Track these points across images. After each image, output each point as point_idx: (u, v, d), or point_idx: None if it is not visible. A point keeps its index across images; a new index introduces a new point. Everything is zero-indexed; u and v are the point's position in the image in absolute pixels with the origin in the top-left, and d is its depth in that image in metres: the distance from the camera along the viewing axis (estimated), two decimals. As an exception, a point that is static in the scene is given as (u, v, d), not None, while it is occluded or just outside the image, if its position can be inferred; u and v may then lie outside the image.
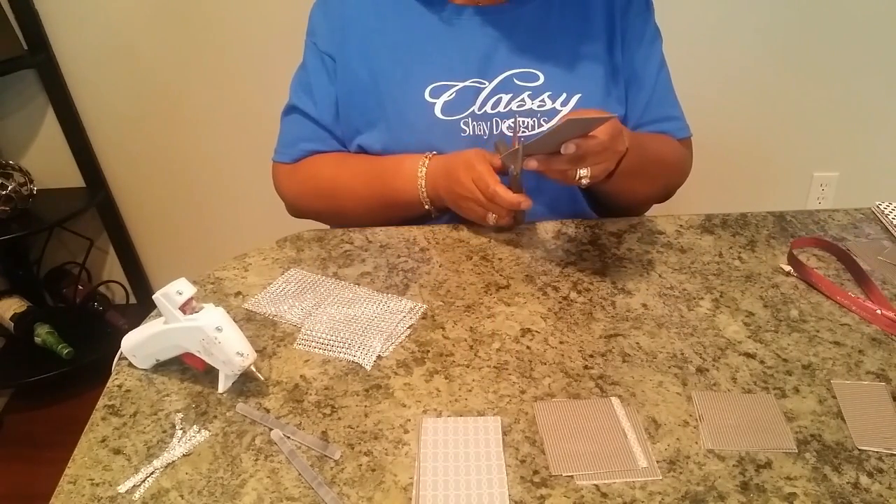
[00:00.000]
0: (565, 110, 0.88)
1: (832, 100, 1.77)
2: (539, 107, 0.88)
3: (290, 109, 0.96)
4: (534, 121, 0.88)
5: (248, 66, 1.70)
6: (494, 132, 0.88)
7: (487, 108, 0.88)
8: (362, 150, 0.93)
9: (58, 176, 1.81)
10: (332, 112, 0.93)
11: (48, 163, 1.80)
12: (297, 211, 1.00)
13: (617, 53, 0.91)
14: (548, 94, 0.88)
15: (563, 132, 0.68)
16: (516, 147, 0.76)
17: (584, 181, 0.73)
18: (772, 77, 1.74)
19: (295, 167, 0.96)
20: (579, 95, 0.88)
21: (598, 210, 0.97)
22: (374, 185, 0.90)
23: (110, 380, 0.66)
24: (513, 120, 0.87)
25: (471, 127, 0.88)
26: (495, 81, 0.88)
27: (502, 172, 0.81)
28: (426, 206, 0.88)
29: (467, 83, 0.88)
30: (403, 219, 0.91)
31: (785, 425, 0.58)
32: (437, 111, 0.88)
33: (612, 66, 0.91)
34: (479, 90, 0.88)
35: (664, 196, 0.98)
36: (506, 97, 0.88)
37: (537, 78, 0.88)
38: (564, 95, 0.88)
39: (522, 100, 0.88)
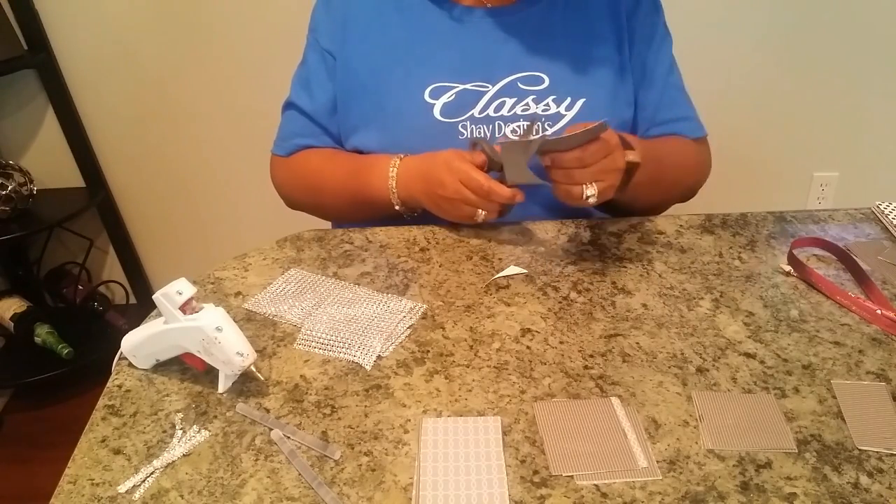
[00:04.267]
0: (570, 114, 0.87)
1: (832, 100, 1.77)
2: (543, 111, 0.87)
3: (288, 105, 0.98)
4: (538, 125, 0.87)
5: (248, 66, 1.70)
6: (497, 135, 0.88)
7: (490, 112, 0.87)
8: (357, 150, 0.93)
9: (58, 176, 1.81)
10: (328, 109, 0.94)
11: (48, 163, 1.80)
12: (288, 202, 1.01)
13: (626, 54, 0.90)
14: (552, 97, 0.87)
15: (571, 142, 0.71)
16: (534, 139, 0.74)
17: (591, 200, 0.74)
18: (772, 77, 1.74)
19: (288, 160, 0.97)
20: (584, 100, 0.87)
21: (613, 210, 0.96)
22: (350, 183, 0.90)
23: (110, 380, 0.66)
24: (532, 114, 0.87)
25: (469, 130, 0.87)
26: (499, 85, 0.88)
27: (485, 170, 0.80)
28: (397, 207, 0.87)
29: (468, 86, 0.88)
30: (377, 217, 0.91)
31: (785, 425, 0.58)
32: (436, 112, 0.87)
33: (620, 68, 0.90)
34: (481, 94, 0.88)
35: (686, 197, 0.98)
36: (509, 101, 0.87)
37: (542, 81, 0.88)
38: (569, 99, 0.87)
39: (527, 104, 0.87)
